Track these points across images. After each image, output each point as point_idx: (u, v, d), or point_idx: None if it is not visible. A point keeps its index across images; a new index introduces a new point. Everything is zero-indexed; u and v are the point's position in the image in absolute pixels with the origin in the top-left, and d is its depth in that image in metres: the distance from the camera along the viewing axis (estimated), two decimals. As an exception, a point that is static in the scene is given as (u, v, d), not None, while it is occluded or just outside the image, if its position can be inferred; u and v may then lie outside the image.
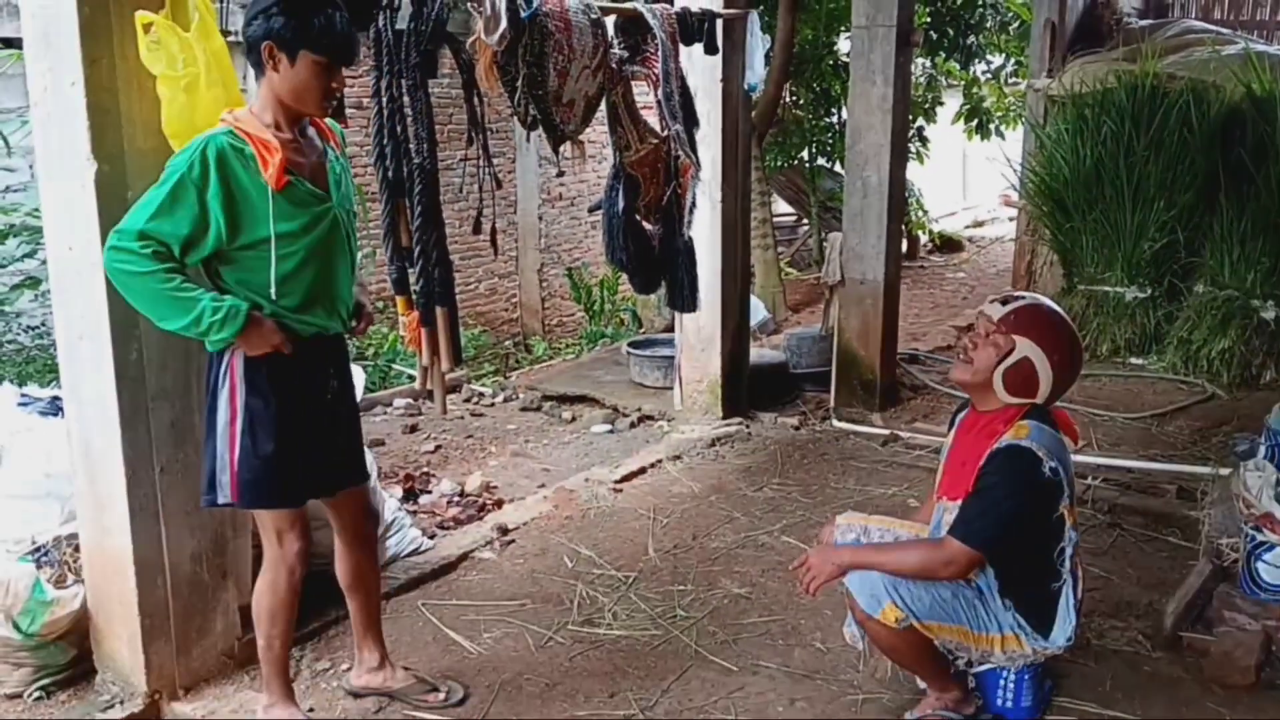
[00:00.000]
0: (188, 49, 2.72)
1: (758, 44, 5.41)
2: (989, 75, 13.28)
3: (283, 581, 2.90)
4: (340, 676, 3.35)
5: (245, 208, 2.62)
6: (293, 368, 2.76)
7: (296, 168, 2.71)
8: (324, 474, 2.92)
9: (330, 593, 3.49)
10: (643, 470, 5.19)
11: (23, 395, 3.85)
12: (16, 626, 3.11)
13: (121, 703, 3.15)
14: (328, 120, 2.90)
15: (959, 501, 2.79)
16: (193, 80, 2.73)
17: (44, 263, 3.13)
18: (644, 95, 4.81)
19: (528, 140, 10.55)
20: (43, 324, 6.32)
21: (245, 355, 2.70)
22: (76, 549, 3.28)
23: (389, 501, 4.16)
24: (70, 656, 3.27)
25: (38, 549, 3.32)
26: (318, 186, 2.78)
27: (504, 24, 3.74)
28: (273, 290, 2.69)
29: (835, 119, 11.40)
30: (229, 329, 2.60)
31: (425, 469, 5.41)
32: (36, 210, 3.45)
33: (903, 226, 7.80)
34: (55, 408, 3.68)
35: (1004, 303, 2.89)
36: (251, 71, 3.13)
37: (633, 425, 6.15)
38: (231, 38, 2.84)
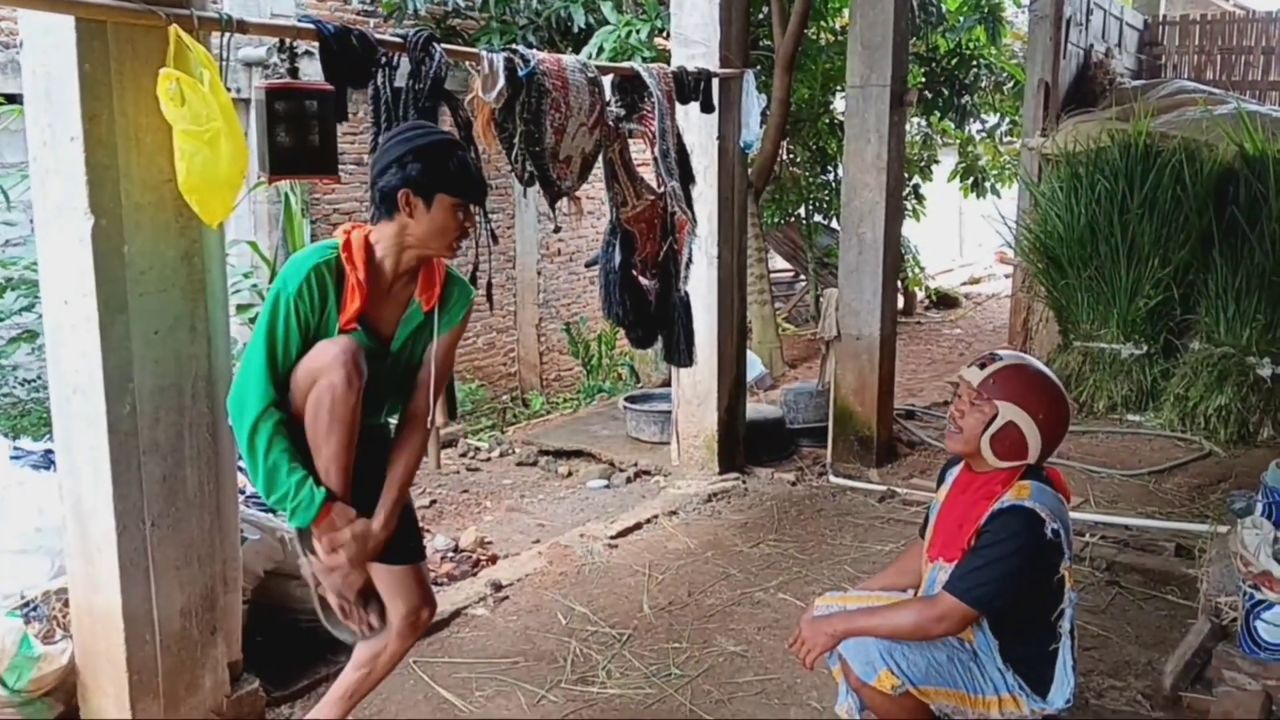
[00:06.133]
0: (209, 104, 2.74)
1: (753, 103, 5.47)
2: (984, 134, 13.42)
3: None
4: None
5: (324, 326, 2.65)
6: None
7: (371, 316, 2.70)
8: None
9: (319, 650, 3.47)
10: (638, 526, 5.16)
11: (16, 448, 3.83)
12: (3, 682, 3.06)
13: (107, 761, 3.11)
14: (458, 283, 2.87)
15: (954, 563, 2.77)
16: (215, 134, 2.75)
17: (41, 316, 3.13)
18: (641, 152, 4.87)
19: (525, 196, 10.64)
20: (39, 377, 6.32)
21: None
22: (66, 604, 3.24)
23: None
24: (57, 713, 3.22)
25: (27, 604, 3.29)
26: (381, 338, 2.75)
27: (502, 82, 3.79)
28: None
29: (831, 176, 11.50)
30: (298, 519, 2.59)
31: (420, 524, 5.38)
32: (35, 264, 3.46)
33: (899, 283, 7.83)
34: (48, 461, 3.66)
35: (981, 366, 2.84)
36: (254, 126, 3.16)
37: (629, 480, 6.13)
38: (231, 94, 2.86)
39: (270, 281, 7.01)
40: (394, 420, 2.90)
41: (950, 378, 8.64)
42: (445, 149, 2.67)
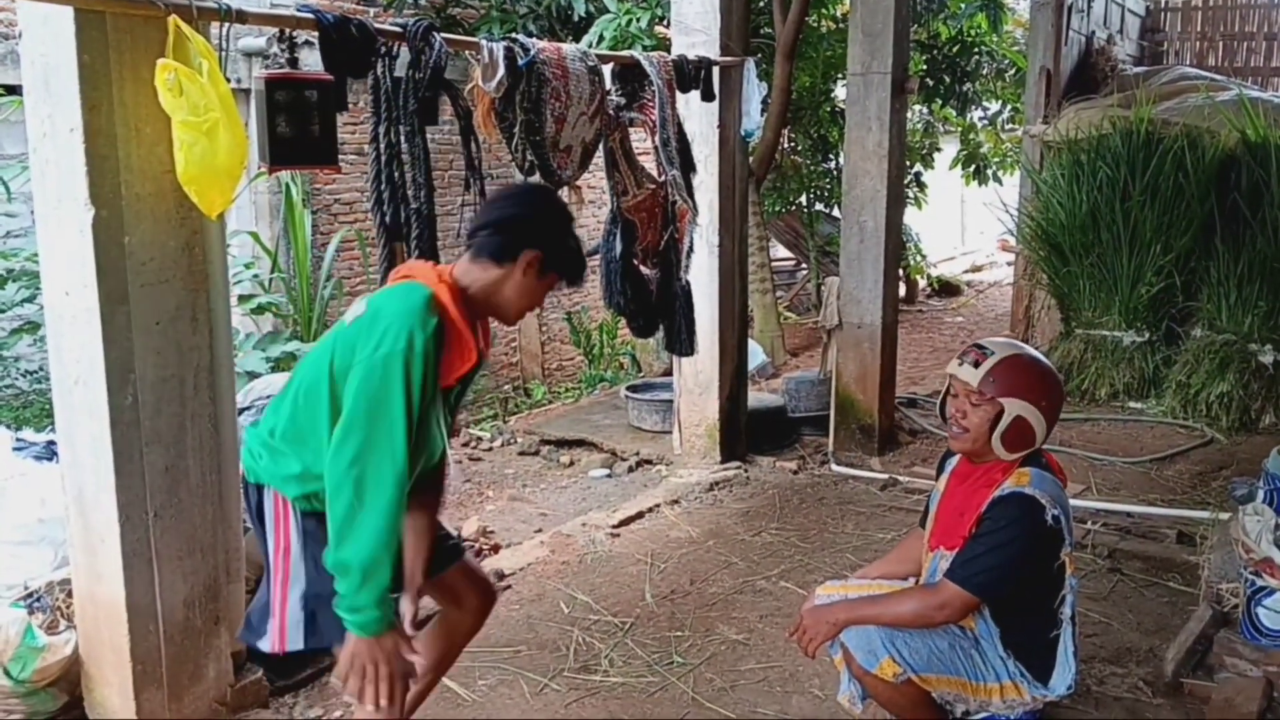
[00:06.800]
0: (207, 94, 2.74)
1: (754, 91, 5.46)
2: (985, 121, 13.40)
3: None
4: (333, 724, 3.32)
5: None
6: None
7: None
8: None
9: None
10: (640, 515, 5.17)
11: (18, 440, 3.84)
12: (7, 673, 3.08)
13: (112, 751, 3.12)
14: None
15: (955, 551, 2.77)
16: (214, 125, 2.74)
17: (42, 308, 3.13)
18: (641, 141, 4.86)
19: (526, 185, 10.60)
20: (40, 369, 6.33)
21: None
22: (69, 594, 3.26)
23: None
24: (61, 703, 3.23)
25: (30, 594, 3.30)
26: (450, 391, 2.54)
27: (501, 71, 3.79)
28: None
29: (833, 164, 11.47)
30: (362, 623, 2.27)
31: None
32: (36, 256, 3.47)
33: (901, 271, 7.82)
34: (50, 452, 3.67)
35: (975, 364, 2.80)
36: (254, 116, 3.15)
37: (631, 469, 6.14)
38: (231, 84, 2.86)
39: (272, 272, 7.02)
40: None
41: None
42: (571, 228, 2.56)
